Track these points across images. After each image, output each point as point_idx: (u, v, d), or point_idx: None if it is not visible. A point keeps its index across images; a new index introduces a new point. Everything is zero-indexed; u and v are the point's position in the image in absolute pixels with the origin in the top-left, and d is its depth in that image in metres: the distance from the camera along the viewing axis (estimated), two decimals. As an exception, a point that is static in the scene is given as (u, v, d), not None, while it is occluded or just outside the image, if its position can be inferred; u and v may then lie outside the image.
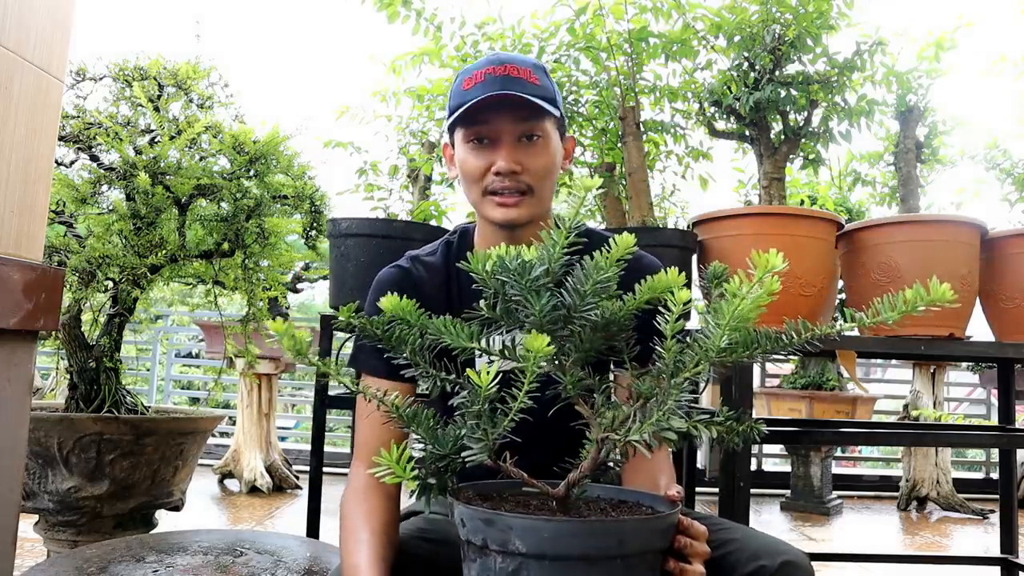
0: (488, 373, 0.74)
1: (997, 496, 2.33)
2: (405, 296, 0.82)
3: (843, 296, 2.79)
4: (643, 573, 0.78)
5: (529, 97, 1.07)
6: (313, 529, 2.02)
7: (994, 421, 5.00)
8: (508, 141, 1.10)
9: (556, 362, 0.81)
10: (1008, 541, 2.27)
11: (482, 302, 0.81)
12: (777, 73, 2.17)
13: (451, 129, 1.15)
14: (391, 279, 1.19)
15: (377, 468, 0.76)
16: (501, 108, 1.08)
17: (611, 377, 1.07)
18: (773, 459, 5.82)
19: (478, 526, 0.75)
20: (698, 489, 4.29)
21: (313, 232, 2.43)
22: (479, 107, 1.07)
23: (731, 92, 2.24)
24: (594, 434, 0.81)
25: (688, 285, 2.21)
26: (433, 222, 2.39)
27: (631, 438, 0.74)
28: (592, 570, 0.73)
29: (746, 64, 2.22)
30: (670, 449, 0.94)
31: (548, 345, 0.71)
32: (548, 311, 0.75)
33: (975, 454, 6.39)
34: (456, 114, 1.09)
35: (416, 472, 0.75)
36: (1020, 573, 2.24)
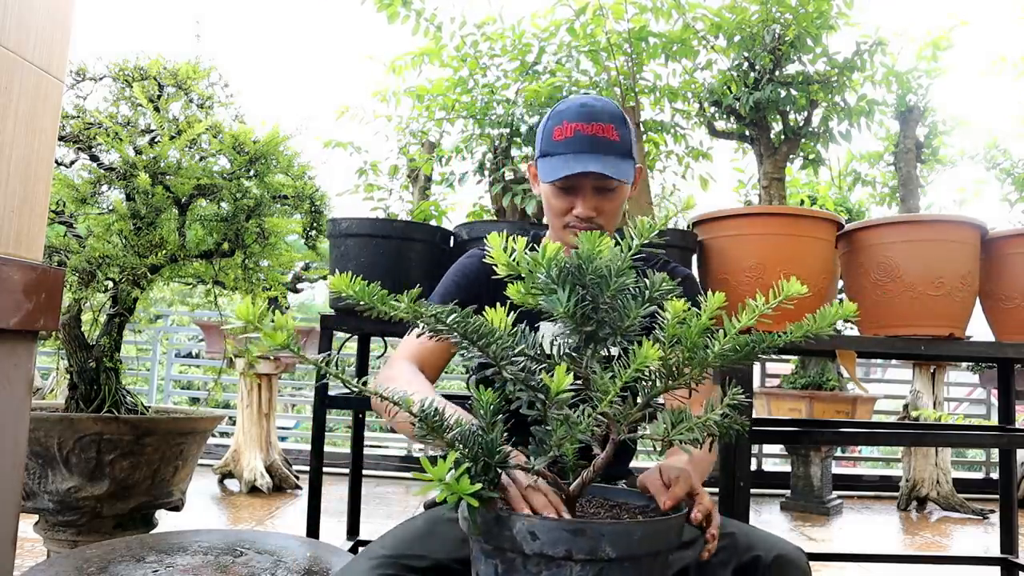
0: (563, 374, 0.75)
1: (997, 496, 2.33)
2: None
3: (843, 296, 2.79)
4: (668, 563, 0.87)
5: (610, 175, 1.22)
6: (313, 529, 2.02)
7: (994, 421, 5.01)
8: (590, 189, 1.26)
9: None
10: (1008, 541, 2.27)
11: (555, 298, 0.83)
12: (777, 73, 2.17)
13: (538, 158, 1.32)
14: (473, 265, 1.36)
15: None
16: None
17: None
18: (773, 459, 5.82)
19: (561, 537, 0.75)
20: (698, 489, 4.28)
21: (313, 232, 2.43)
22: (568, 175, 1.22)
23: (731, 92, 2.24)
24: (616, 433, 0.82)
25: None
26: (433, 222, 2.39)
27: (679, 437, 0.79)
28: (655, 564, 0.79)
29: (746, 64, 2.22)
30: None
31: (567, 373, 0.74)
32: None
33: (975, 454, 6.39)
34: (545, 171, 1.26)
35: (477, 485, 0.72)
36: (1020, 573, 2.24)
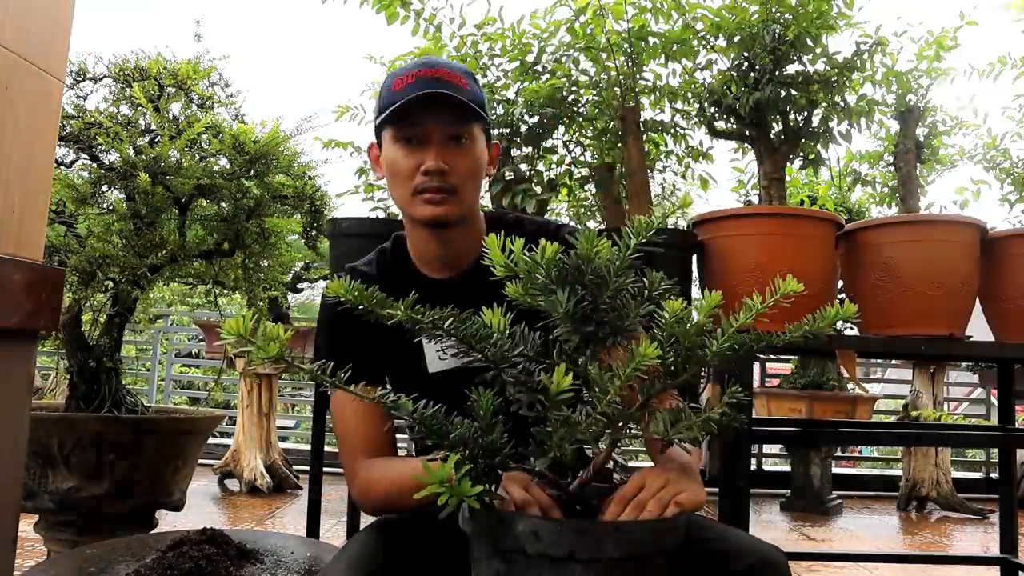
0: (562, 375, 0.75)
1: (997, 496, 2.33)
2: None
3: (843, 296, 2.78)
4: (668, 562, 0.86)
5: (460, 98, 1.10)
6: (313, 529, 2.02)
7: (994, 421, 5.00)
8: (437, 141, 1.12)
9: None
10: (1008, 541, 2.27)
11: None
12: (777, 73, 2.17)
13: (379, 129, 1.17)
14: (330, 306, 1.21)
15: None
16: (431, 108, 1.10)
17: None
18: (773, 459, 5.82)
19: (564, 538, 0.75)
20: (698, 489, 4.28)
21: (313, 232, 2.43)
22: (411, 105, 1.09)
23: (731, 92, 2.24)
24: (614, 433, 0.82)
25: (688, 285, 2.20)
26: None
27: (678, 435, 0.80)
28: (658, 563, 0.80)
29: (746, 64, 2.22)
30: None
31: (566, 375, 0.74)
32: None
33: (975, 454, 6.39)
34: (387, 112, 1.11)
35: (479, 487, 0.71)
36: (1020, 573, 2.24)
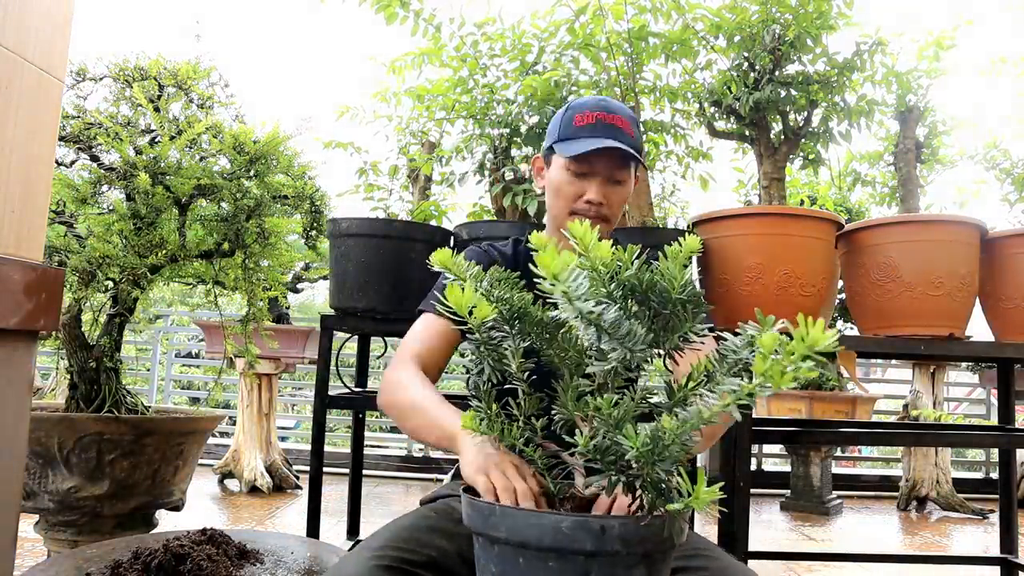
0: None
1: (997, 496, 2.33)
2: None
3: (843, 296, 2.78)
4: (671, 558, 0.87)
5: (629, 150, 1.28)
6: (313, 529, 2.02)
7: (994, 421, 5.00)
8: (601, 179, 1.32)
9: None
10: (1008, 541, 2.27)
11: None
12: (777, 73, 2.17)
13: (550, 148, 1.37)
14: (474, 254, 1.42)
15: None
16: (602, 153, 1.29)
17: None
18: (773, 459, 5.82)
19: (568, 531, 0.75)
20: (698, 489, 4.28)
21: (313, 232, 2.43)
22: (589, 153, 1.28)
23: (731, 92, 2.24)
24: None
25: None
26: (433, 222, 2.39)
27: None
28: (662, 558, 0.80)
29: (746, 64, 2.22)
30: None
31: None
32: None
33: (975, 454, 6.39)
34: (567, 149, 1.30)
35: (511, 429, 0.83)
36: (1020, 573, 2.24)
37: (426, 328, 1.32)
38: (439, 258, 0.89)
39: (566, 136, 1.32)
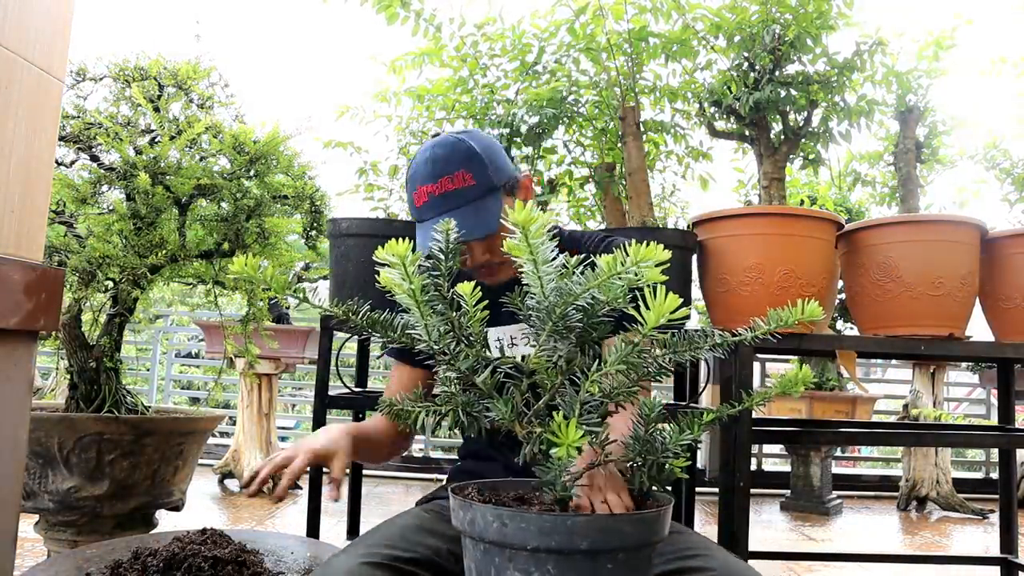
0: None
1: (997, 496, 2.33)
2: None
3: (843, 296, 2.78)
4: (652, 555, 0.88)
5: (472, 233, 1.19)
6: (313, 529, 2.02)
7: (994, 421, 5.00)
8: (470, 245, 1.25)
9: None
10: (1008, 541, 2.27)
11: None
12: (777, 73, 2.17)
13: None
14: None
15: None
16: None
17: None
18: (773, 459, 5.82)
19: (545, 529, 0.77)
20: (698, 489, 4.29)
21: (313, 232, 2.42)
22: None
23: (731, 92, 2.24)
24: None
25: (687, 285, 2.19)
26: (433, 222, 2.38)
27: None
28: (642, 556, 0.82)
29: (746, 64, 2.22)
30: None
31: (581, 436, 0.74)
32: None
33: (975, 454, 6.39)
34: (421, 239, 1.25)
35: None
36: (1020, 573, 2.24)
37: (393, 375, 1.45)
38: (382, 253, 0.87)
39: (416, 217, 1.28)
